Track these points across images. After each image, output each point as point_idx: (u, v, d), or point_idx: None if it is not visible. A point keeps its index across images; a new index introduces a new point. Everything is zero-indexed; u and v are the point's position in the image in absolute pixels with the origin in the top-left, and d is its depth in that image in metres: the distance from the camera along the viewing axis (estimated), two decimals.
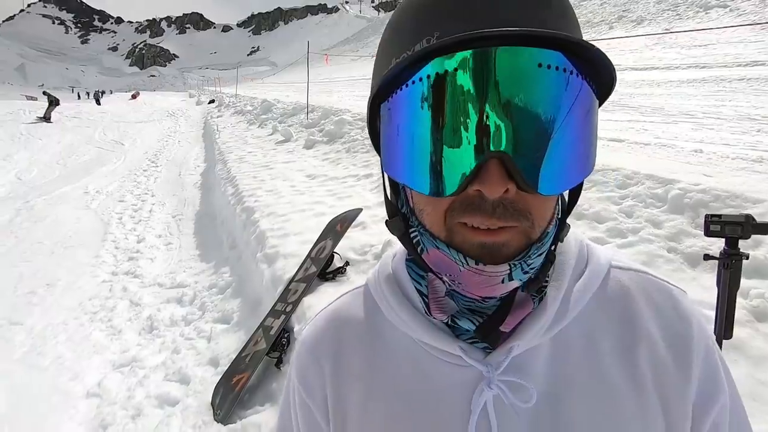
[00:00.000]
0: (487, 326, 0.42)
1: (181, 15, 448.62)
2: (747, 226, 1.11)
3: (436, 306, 0.44)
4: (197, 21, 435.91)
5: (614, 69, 0.37)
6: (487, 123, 0.34)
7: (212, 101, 24.48)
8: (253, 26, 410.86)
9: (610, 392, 0.43)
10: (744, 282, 2.14)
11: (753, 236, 1.14)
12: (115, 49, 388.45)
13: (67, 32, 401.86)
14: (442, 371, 0.45)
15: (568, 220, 0.46)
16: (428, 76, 0.35)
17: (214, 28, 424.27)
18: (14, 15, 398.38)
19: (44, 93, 18.74)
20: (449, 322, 0.44)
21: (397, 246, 0.51)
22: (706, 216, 1.18)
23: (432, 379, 0.46)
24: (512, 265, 0.38)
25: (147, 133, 15.36)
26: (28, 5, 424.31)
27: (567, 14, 0.39)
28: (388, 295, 0.49)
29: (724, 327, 1.17)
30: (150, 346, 3.24)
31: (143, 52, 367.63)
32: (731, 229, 1.12)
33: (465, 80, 0.34)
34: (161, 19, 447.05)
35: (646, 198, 2.93)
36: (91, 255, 5.14)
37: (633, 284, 0.47)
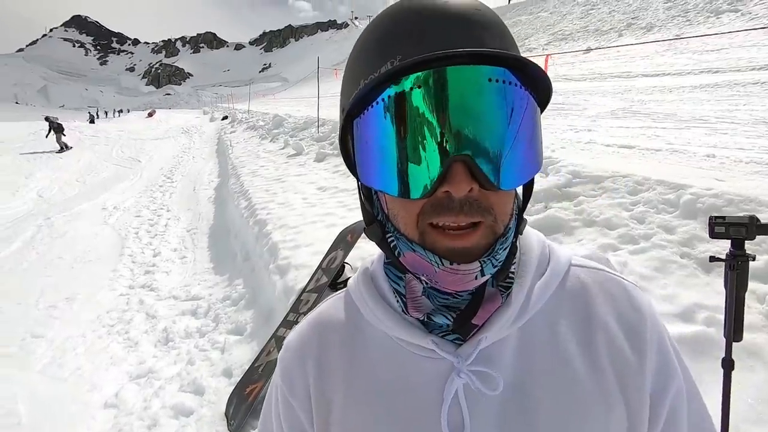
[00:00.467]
0: (461, 319, 0.46)
1: (195, 35, 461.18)
2: (751, 227, 1.11)
3: (413, 305, 0.48)
4: (210, 40, 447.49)
5: (550, 81, 0.43)
6: (450, 131, 0.39)
7: (225, 117, 24.99)
8: (265, 44, 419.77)
9: (573, 379, 0.46)
10: (759, 286, 2.11)
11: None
12: (132, 69, 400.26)
13: (86, 54, 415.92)
14: (417, 364, 0.49)
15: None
16: (395, 94, 0.40)
17: (227, 46, 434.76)
18: (37, 39, 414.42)
19: (46, 119, 16.23)
20: (424, 320, 0.48)
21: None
22: (710, 217, 1.18)
23: (408, 372, 0.49)
24: (482, 262, 0.43)
25: (163, 150, 15.73)
26: (51, 29, 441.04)
27: (505, 35, 0.45)
28: (367, 297, 0.53)
29: (733, 329, 1.16)
30: (165, 358, 3.29)
31: (159, 71, 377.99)
32: (735, 230, 1.12)
33: (428, 96, 0.39)
34: (176, 40, 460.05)
35: (657, 204, 2.90)
36: (108, 269, 5.26)
37: (590, 280, 0.52)
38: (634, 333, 0.49)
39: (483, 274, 0.43)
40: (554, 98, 12.25)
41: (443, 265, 0.43)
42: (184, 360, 3.20)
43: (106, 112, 58.74)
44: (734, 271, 1.13)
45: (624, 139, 5.27)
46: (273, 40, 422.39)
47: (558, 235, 3.06)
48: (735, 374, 1.18)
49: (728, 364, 1.20)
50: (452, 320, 0.46)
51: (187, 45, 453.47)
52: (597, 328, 0.49)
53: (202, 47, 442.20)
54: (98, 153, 15.01)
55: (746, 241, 1.13)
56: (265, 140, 12.50)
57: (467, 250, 0.42)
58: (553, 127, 7.05)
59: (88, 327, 3.85)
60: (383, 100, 0.41)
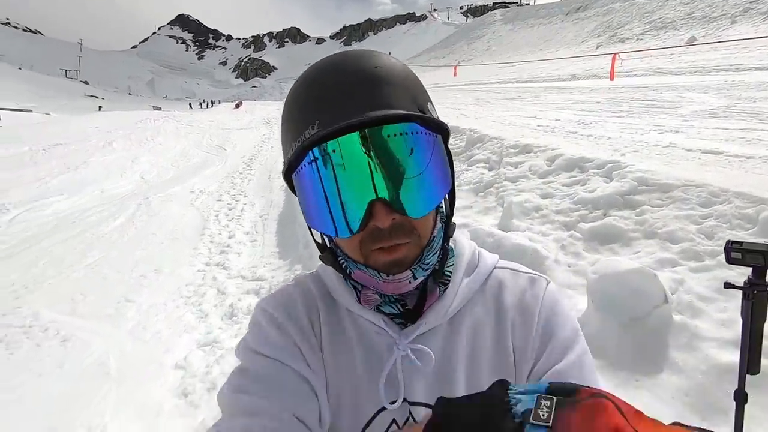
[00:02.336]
0: (412, 312, 0.60)
1: (281, 30, 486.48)
2: None
3: (365, 299, 0.60)
4: (295, 35, 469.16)
5: (443, 122, 0.55)
6: (368, 181, 0.50)
7: None
8: (345, 37, 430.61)
9: (485, 358, 0.59)
10: None
11: None
12: (224, 63, 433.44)
13: (187, 50, 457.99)
14: (372, 335, 0.61)
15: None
16: (320, 156, 0.50)
17: (309, 41, 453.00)
18: (148, 37, 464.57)
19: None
20: (374, 309, 0.60)
21: None
22: (727, 242, 1.09)
23: (368, 340, 0.61)
24: (413, 269, 0.55)
25: (245, 139, 17.00)
26: (159, 28, 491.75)
27: (408, 86, 0.55)
28: (336, 280, 0.64)
29: (749, 361, 1.08)
30: (228, 330, 3.67)
31: (247, 65, 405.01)
32: (753, 257, 1.03)
33: (347, 153, 0.49)
34: (264, 35, 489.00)
35: (732, 218, 2.63)
36: (190, 247, 5.90)
37: (507, 279, 0.65)
38: (527, 313, 0.60)
39: (415, 278, 0.55)
40: (645, 94, 11.20)
41: (383, 277, 0.54)
42: (243, 334, 3.54)
43: (200, 104, 64.18)
44: (749, 300, 1.05)
45: (714, 143, 4.75)
46: (352, 33, 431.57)
47: (614, 245, 2.90)
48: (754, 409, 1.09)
49: (741, 397, 1.12)
50: (399, 311, 0.59)
51: (273, 40, 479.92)
52: (506, 315, 0.61)
53: (287, 42, 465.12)
54: (192, 141, 16.62)
55: None
56: None
57: (399, 261, 0.54)
58: (635, 126, 6.51)
59: (169, 297, 4.39)
60: (311, 160, 0.51)
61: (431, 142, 0.53)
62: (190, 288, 4.61)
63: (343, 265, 0.59)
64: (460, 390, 0.57)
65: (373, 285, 0.57)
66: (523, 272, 0.66)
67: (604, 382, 1.93)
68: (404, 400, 0.57)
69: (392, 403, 0.56)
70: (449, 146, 0.59)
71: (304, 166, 0.52)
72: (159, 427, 2.55)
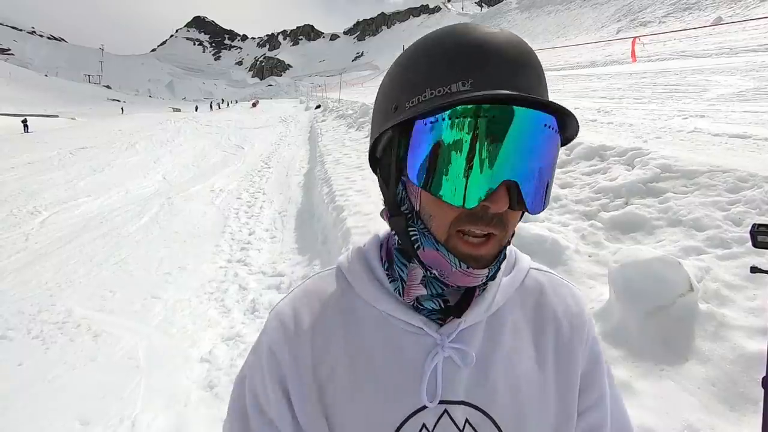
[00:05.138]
0: (457, 306, 0.56)
1: (295, 28, 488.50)
2: None
3: (409, 290, 0.56)
4: (309, 32, 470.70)
5: (578, 126, 0.52)
6: (506, 159, 0.47)
7: (318, 106, 26.40)
8: (358, 33, 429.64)
9: (525, 359, 0.59)
10: None
11: None
12: (240, 63, 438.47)
13: (203, 51, 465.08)
14: (404, 338, 0.57)
15: None
16: (470, 115, 0.46)
17: (323, 37, 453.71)
18: (166, 40, 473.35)
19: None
20: (413, 303, 0.57)
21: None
22: (754, 225, 1.05)
23: (396, 344, 0.57)
24: (491, 268, 0.52)
25: (263, 138, 17.21)
26: (176, 30, 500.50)
27: (544, 78, 0.53)
28: (363, 275, 0.60)
29: None
30: (251, 325, 3.75)
31: (263, 64, 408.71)
32: None
33: (496, 126, 0.46)
34: (278, 33, 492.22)
35: (761, 204, 2.54)
36: (212, 244, 6.03)
37: (545, 281, 0.65)
38: (575, 326, 0.62)
39: (488, 277, 0.52)
40: (668, 79, 10.86)
41: (461, 267, 0.50)
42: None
43: (218, 105, 65.17)
44: None
45: (742, 127, 4.58)
46: (366, 28, 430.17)
47: (636, 233, 2.83)
48: None
49: None
50: (440, 306, 0.56)
51: (287, 38, 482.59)
52: (548, 320, 0.61)
53: (301, 39, 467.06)
54: (210, 141, 16.93)
55: None
56: (352, 129, 13.02)
57: (483, 257, 0.50)
58: (658, 112, 6.32)
59: (193, 293, 4.51)
60: (457, 115, 0.46)
61: (559, 145, 0.52)
62: (213, 284, 4.72)
63: (413, 237, 0.54)
64: (500, 387, 0.56)
65: (442, 270, 0.52)
66: (558, 278, 0.67)
67: (627, 371, 1.90)
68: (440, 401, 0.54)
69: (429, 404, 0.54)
70: None
71: (444, 119, 0.47)
72: (187, 417, 2.64)
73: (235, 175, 10.81)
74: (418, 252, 0.53)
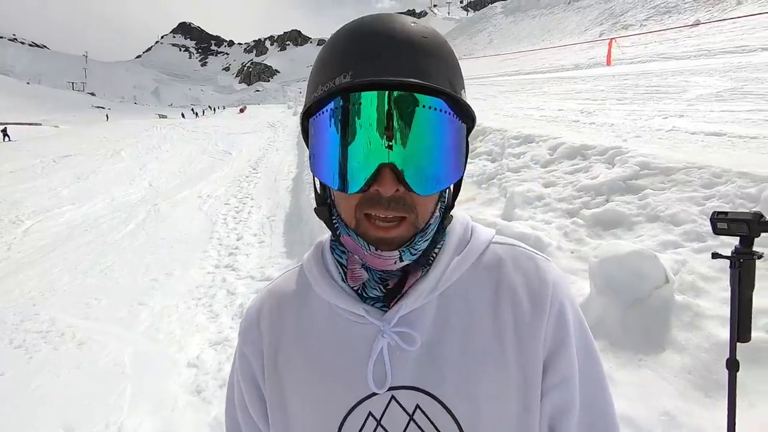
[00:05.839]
0: (393, 291, 0.57)
1: (282, 33, 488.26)
2: (754, 223, 1.02)
3: (352, 275, 0.58)
4: (296, 37, 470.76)
5: (473, 110, 0.54)
6: (384, 142, 0.48)
7: None
8: None
9: (479, 338, 0.56)
10: None
11: None
12: (227, 69, 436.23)
13: (190, 57, 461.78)
14: (351, 328, 0.58)
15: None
16: (344, 104, 0.49)
17: (311, 42, 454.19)
18: (151, 46, 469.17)
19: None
20: (359, 291, 0.58)
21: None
22: (713, 213, 1.11)
23: (344, 334, 0.59)
24: (402, 251, 0.53)
25: (250, 143, 17.13)
26: (162, 36, 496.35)
27: (449, 63, 0.54)
28: (315, 270, 0.63)
29: (738, 330, 1.09)
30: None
31: (250, 69, 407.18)
32: (738, 226, 1.04)
33: (372, 111, 0.48)
34: (265, 39, 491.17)
35: (735, 198, 2.62)
36: (200, 250, 5.99)
37: (506, 255, 0.61)
38: (536, 300, 0.57)
39: (402, 260, 0.53)
40: (650, 81, 11.05)
41: (370, 250, 0.53)
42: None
43: (203, 111, 64.19)
44: (737, 269, 1.06)
45: (719, 125, 4.71)
46: None
47: (616, 230, 2.90)
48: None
49: (733, 365, 1.14)
50: (382, 292, 0.57)
51: (275, 43, 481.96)
52: (505, 295, 0.57)
53: (288, 45, 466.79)
54: (197, 147, 16.81)
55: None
56: None
57: (390, 240, 0.52)
58: (639, 113, 6.47)
59: (180, 299, 4.48)
60: (333, 108, 0.50)
61: (456, 126, 0.52)
62: (201, 290, 4.69)
63: (336, 225, 0.57)
64: (451, 370, 0.54)
65: (359, 254, 0.55)
66: (523, 249, 0.62)
67: (607, 362, 1.94)
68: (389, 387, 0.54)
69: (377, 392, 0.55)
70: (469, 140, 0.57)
71: (326, 111, 0.51)
72: (174, 422, 2.62)
73: (223, 181, 10.75)
74: (341, 239, 0.57)
